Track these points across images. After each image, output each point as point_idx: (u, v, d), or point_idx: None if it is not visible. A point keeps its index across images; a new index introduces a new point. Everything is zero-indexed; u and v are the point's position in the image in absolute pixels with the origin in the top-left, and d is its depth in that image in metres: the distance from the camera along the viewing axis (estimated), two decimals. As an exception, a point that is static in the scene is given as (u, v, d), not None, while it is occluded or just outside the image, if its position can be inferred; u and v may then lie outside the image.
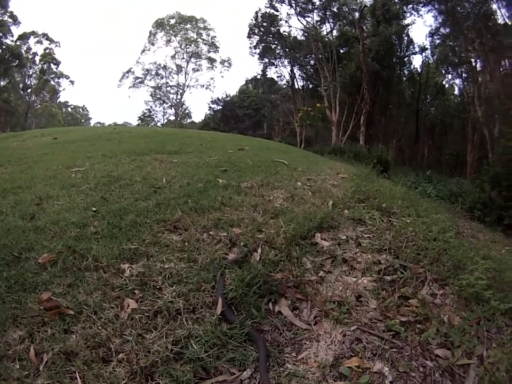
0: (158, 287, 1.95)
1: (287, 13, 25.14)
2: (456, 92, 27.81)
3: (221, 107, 36.61)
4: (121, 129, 10.85)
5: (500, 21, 18.36)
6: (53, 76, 37.02)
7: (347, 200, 3.65)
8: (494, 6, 18.24)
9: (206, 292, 1.97)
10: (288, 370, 1.60)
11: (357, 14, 22.42)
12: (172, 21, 36.56)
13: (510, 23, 17.58)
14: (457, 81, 26.03)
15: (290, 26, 25.87)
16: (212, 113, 37.55)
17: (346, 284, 2.35)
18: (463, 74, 23.60)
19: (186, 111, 40.55)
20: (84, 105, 53.15)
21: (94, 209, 2.77)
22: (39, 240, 2.30)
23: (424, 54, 25.26)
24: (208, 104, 38.45)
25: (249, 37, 26.52)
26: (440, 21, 21.35)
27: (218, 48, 37.12)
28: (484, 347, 1.77)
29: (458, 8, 18.94)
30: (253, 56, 27.43)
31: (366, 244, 2.86)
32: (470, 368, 1.66)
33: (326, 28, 24.57)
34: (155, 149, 5.31)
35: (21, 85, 35.57)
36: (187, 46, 36.45)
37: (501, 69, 18.54)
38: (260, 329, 1.89)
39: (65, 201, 2.99)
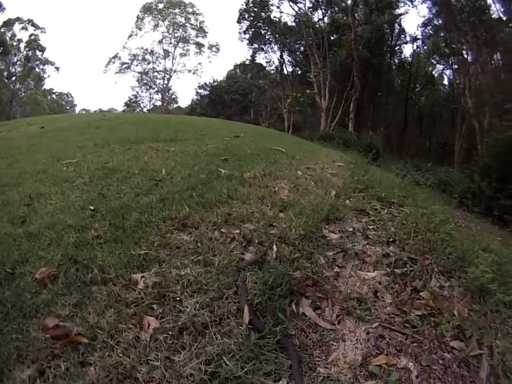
0: (177, 298, 1.68)
1: (279, -2, 23.84)
2: (445, 82, 27.38)
3: (208, 92, 35.16)
4: (111, 116, 10.10)
5: (495, 15, 18.04)
6: (38, 62, 34.50)
7: (347, 189, 3.51)
8: (489, 0, 17.85)
9: (229, 300, 1.74)
10: (321, 374, 1.47)
11: (349, 2, 21.64)
12: (160, 6, 34.69)
13: (504, 18, 17.30)
14: (448, 72, 25.60)
15: (282, 12, 24.52)
16: (198, 98, 36.06)
17: (361, 279, 2.25)
18: (454, 66, 23.23)
19: (173, 96, 38.88)
20: (68, 92, 49.45)
21: (91, 207, 2.40)
22: (34, 249, 1.93)
23: (415, 43, 24.61)
24: (195, 89, 37.33)
25: (239, 22, 25.29)
26: (434, 12, 20.79)
27: (207, 33, 35.59)
28: (492, 338, 1.74)
29: (453, 1, 18.46)
30: (242, 41, 26.20)
31: (373, 236, 2.77)
32: (482, 358, 1.63)
33: (318, 15, 23.59)
34: (149, 137, 4.86)
35: (5, 73, 32.76)
36: (175, 31, 34.84)
37: (493, 63, 18.31)
38: (287, 333, 1.71)
39: (59, 200, 2.58)
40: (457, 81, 22.86)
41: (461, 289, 2.17)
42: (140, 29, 34.76)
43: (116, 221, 2.20)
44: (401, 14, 22.94)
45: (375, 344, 1.65)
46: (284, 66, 26.12)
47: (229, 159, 3.77)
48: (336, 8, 23.53)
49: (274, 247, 2.30)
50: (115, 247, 1.96)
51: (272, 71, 28.56)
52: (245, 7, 24.64)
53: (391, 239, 2.69)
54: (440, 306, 1.93)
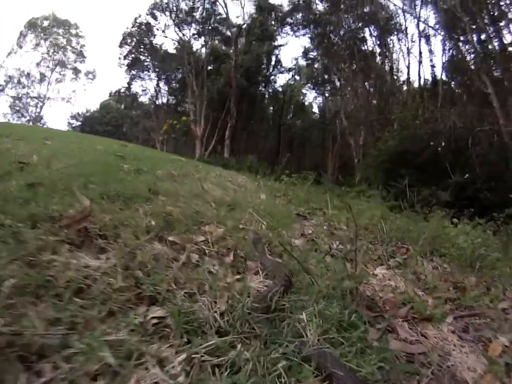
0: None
1: (165, 23, 22.92)
2: (315, 109, 29.03)
3: (80, 123, 33.65)
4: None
5: (370, 47, 20.53)
6: None
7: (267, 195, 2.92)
8: (367, 34, 20.14)
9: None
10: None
11: (234, 30, 22.13)
12: (46, 23, 31.89)
13: (378, 50, 20.17)
14: (320, 98, 27.22)
15: (166, 37, 23.63)
16: (70, 129, 32.89)
17: (381, 278, 1.78)
18: (326, 93, 24.88)
19: (45, 126, 31.70)
20: None
21: None
22: None
23: (290, 73, 25.93)
24: (68, 119, 34.72)
25: (121, 46, 23.56)
26: (315, 43, 21.82)
27: (85, 58, 33.37)
28: (498, 290, 1.82)
29: (332, 36, 20.35)
30: (121, 67, 24.35)
31: (338, 234, 2.27)
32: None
33: (200, 42, 23.75)
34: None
35: None
36: (54, 53, 32.26)
37: (366, 87, 20.27)
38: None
39: None
40: (330, 106, 25.05)
41: (453, 264, 2.19)
42: (21, 47, 31.18)
43: None
44: (281, 45, 24.16)
45: (470, 338, 1.40)
46: (159, 95, 25.62)
47: (127, 158, 2.46)
48: (218, 37, 24.35)
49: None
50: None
51: (146, 101, 27.47)
52: (130, 30, 23.38)
53: (351, 236, 2.30)
54: (460, 281, 1.88)
